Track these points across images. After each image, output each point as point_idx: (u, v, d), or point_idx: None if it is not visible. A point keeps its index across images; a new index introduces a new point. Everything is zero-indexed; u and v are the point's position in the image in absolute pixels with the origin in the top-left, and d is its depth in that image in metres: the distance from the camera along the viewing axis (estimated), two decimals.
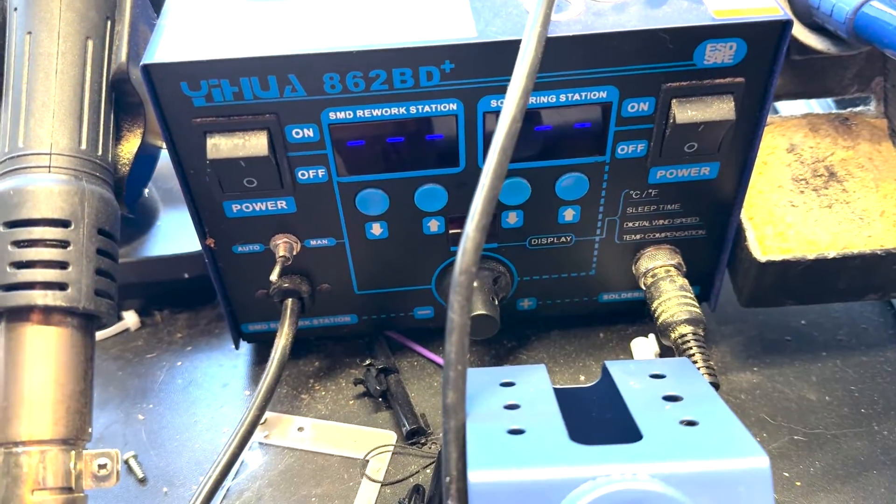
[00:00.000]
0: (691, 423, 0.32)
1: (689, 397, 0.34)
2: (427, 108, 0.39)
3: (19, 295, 0.35)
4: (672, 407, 0.34)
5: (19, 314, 0.35)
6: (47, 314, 0.36)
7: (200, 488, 0.41)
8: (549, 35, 0.36)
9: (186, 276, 0.52)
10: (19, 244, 0.35)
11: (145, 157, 0.42)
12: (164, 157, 0.45)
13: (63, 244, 0.36)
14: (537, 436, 0.32)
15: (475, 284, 0.46)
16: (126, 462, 0.45)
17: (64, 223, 0.36)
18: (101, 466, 0.36)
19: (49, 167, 0.37)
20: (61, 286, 0.35)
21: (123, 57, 0.40)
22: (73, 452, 0.35)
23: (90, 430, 0.37)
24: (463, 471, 0.32)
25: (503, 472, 0.29)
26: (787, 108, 0.58)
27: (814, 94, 0.49)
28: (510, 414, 0.34)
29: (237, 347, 0.50)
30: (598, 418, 0.38)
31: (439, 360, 0.50)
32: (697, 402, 0.34)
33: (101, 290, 0.37)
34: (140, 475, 0.44)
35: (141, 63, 0.36)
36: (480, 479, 0.29)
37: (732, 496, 0.29)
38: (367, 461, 0.44)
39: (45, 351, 0.35)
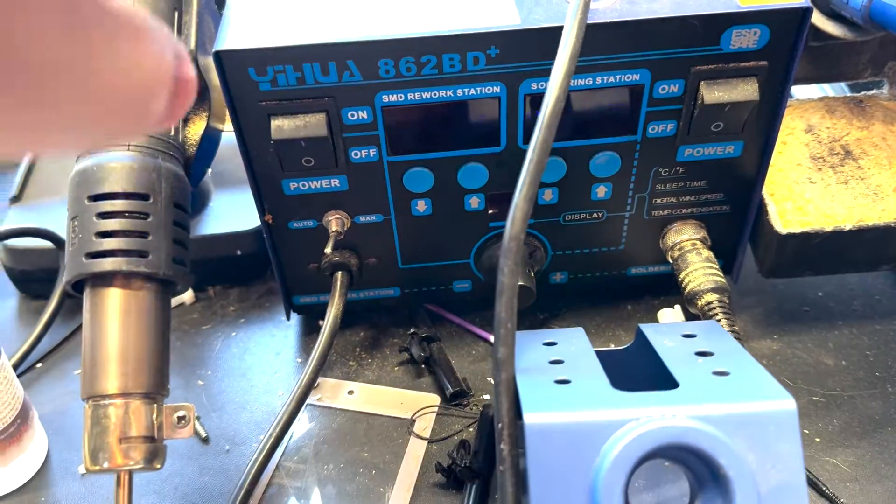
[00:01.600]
0: (723, 374, 0.35)
1: (719, 353, 0.37)
2: (473, 91, 0.43)
3: (104, 262, 0.38)
4: (704, 361, 0.37)
5: (104, 280, 0.39)
6: (129, 279, 0.39)
7: (262, 444, 0.44)
8: (588, 22, 0.39)
9: (239, 252, 0.55)
10: (103, 216, 0.39)
11: (209, 139, 0.45)
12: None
13: (143, 216, 0.39)
14: (582, 385, 0.35)
15: None
16: None
17: (143, 196, 0.39)
18: (181, 418, 0.39)
19: (128, 145, 0.40)
20: (143, 254, 0.39)
21: (192, 45, 0.43)
22: (154, 405, 0.39)
23: (168, 386, 0.40)
24: (514, 418, 0.35)
25: (555, 415, 0.32)
26: (803, 92, 0.61)
27: (830, 78, 0.52)
28: (555, 368, 0.37)
29: (288, 318, 0.53)
30: (634, 375, 0.41)
31: (477, 330, 0.53)
32: (728, 356, 0.37)
33: (177, 259, 0.40)
34: (203, 435, 0.48)
35: (213, 50, 0.40)
36: (535, 420, 0.32)
37: (763, 435, 0.32)
38: (415, 420, 0.48)
39: (127, 313, 0.39)
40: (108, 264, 0.38)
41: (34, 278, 0.56)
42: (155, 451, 0.38)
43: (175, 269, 0.40)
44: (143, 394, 0.38)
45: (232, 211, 0.56)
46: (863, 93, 0.53)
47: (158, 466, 0.39)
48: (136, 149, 0.40)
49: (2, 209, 0.63)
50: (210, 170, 0.58)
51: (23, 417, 0.45)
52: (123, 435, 0.37)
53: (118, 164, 0.39)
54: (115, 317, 0.38)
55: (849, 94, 0.53)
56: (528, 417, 0.32)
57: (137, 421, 0.38)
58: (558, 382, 0.35)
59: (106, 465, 0.37)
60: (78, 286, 0.40)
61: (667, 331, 0.41)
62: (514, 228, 0.37)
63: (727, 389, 0.34)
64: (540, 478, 0.32)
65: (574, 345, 0.40)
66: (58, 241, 0.53)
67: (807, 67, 0.51)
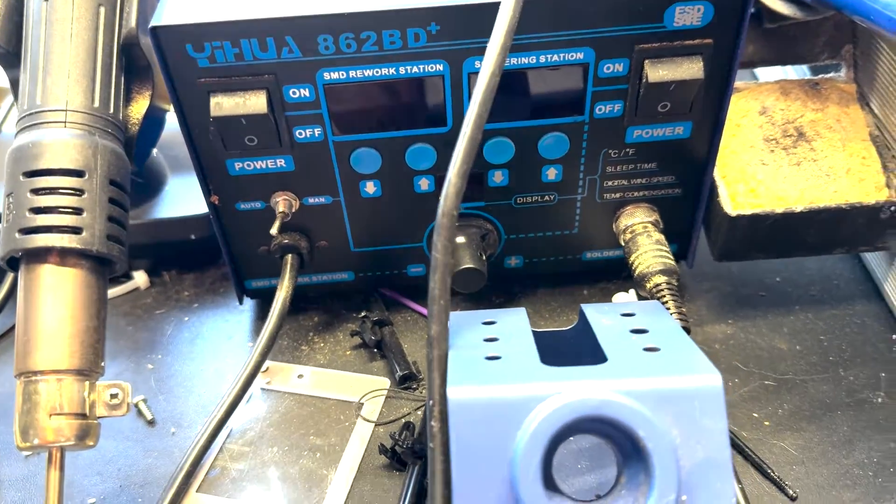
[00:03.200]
0: (654, 350, 0.35)
1: (654, 330, 0.37)
2: (415, 69, 0.42)
3: (38, 238, 0.38)
4: (638, 337, 0.36)
5: (37, 256, 0.39)
6: (63, 256, 0.39)
7: (206, 426, 0.44)
8: None
9: (193, 237, 0.55)
10: (38, 192, 0.38)
11: (153, 119, 0.45)
12: (172, 127, 0.48)
13: (78, 192, 0.39)
14: (511, 361, 0.35)
15: (463, 240, 0.49)
16: (136, 405, 0.48)
17: (79, 173, 0.39)
18: (113, 396, 0.39)
19: (65, 122, 0.40)
20: (76, 230, 0.38)
21: (133, 23, 0.43)
22: (87, 383, 0.38)
23: (103, 364, 0.40)
24: (444, 395, 0.35)
25: (478, 389, 0.32)
26: (765, 75, 0.61)
27: (786, 60, 0.52)
28: (489, 345, 0.37)
29: (241, 303, 0.53)
30: (572, 354, 0.40)
31: None
32: (661, 334, 0.37)
33: (112, 236, 0.40)
34: (149, 417, 0.47)
35: (149, 25, 0.39)
36: (458, 395, 0.32)
37: (688, 410, 0.31)
38: (362, 404, 0.47)
39: (61, 289, 0.38)
40: (40, 240, 0.38)
41: None
42: (87, 428, 0.38)
43: (109, 246, 0.40)
44: (76, 370, 0.38)
45: (186, 195, 0.56)
46: (820, 75, 0.52)
47: (91, 444, 0.38)
48: (73, 125, 0.40)
49: None
50: (164, 152, 0.58)
51: None
52: (54, 411, 0.37)
53: (54, 140, 0.39)
54: (48, 293, 0.38)
55: (807, 77, 0.52)
56: (452, 392, 0.32)
57: (69, 397, 0.37)
58: (489, 359, 0.35)
59: (36, 441, 0.37)
60: (13, 263, 0.40)
61: (608, 310, 0.40)
62: (447, 203, 0.36)
63: (655, 365, 0.33)
64: (463, 452, 0.32)
65: (512, 323, 0.39)
66: None
67: (763, 49, 0.51)
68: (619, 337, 0.36)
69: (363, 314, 0.51)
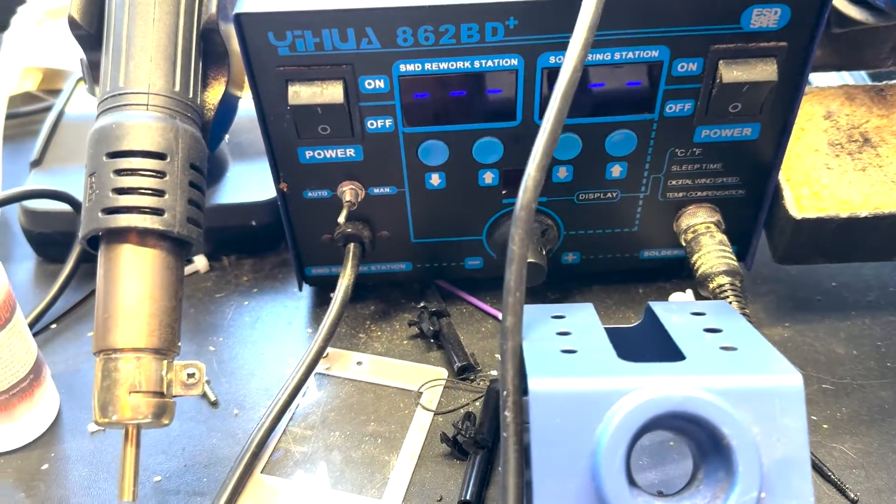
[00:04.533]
0: (730, 349, 0.35)
1: (728, 329, 0.37)
2: (490, 63, 0.43)
3: (120, 218, 0.39)
4: (712, 337, 0.37)
5: (119, 236, 0.39)
6: (144, 236, 0.39)
7: (270, 409, 0.45)
8: None
9: (254, 223, 0.56)
10: (121, 172, 0.39)
11: (227, 105, 0.46)
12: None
13: (160, 174, 0.40)
14: (588, 355, 0.35)
15: None
16: None
17: (160, 156, 0.40)
18: (190, 376, 0.40)
19: (147, 105, 0.40)
20: (158, 211, 0.39)
21: (213, 8, 0.43)
22: (164, 362, 0.39)
23: (179, 344, 0.40)
24: (518, 386, 0.35)
25: (560, 381, 0.32)
26: (823, 80, 0.61)
27: (851, 66, 0.52)
28: (562, 339, 0.37)
29: (300, 290, 0.54)
30: (642, 352, 0.41)
31: (487, 307, 0.53)
32: (736, 333, 0.37)
33: (191, 218, 0.40)
34: (213, 398, 0.48)
35: (233, 12, 0.40)
36: (540, 386, 0.32)
37: (769, 408, 0.32)
38: (422, 392, 0.48)
39: (141, 269, 0.39)
40: (123, 220, 0.39)
41: (52, 241, 0.57)
42: (164, 406, 0.39)
43: (189, 229, 0.40)
44: (154, 349, 0.39)
45: (248, 182, 0.57)
46: (884, 82, 0.52)
47: (167, 422, 0.39)
48: (155, 108, 0.40)
49: (23, 173, 0.64)
50: (228, 139, 0.58)
51: (35, 373, 0.45)
52: (133, 389, 0.38)
53: (137, 123, 0.40)
54: (128, 272, 0.39)
55: (869, 83, 0.52)
56: (533, 383, 0.32)
57: (147, 376, 0.38)
58: (565, 352, 0.35)
59: (115, 417, 0.38)
60: (93, 242, 0.40)
61: (676, 309, 0.41)
62: (525, 197, 0.37)
63: (734, 363, 0.34)
64: (543, 443, 0.32)
65: (582, 318, 0.40)
66: (76, 205, 0.54)
67: (828, 54, 0.51)
68: (693, 335, 0.37)
69: (422, 304, 0.52)
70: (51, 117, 0.62)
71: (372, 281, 0.55)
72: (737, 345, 0.35)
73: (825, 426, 0.45)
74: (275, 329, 0.53)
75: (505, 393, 0.35)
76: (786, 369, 0.33)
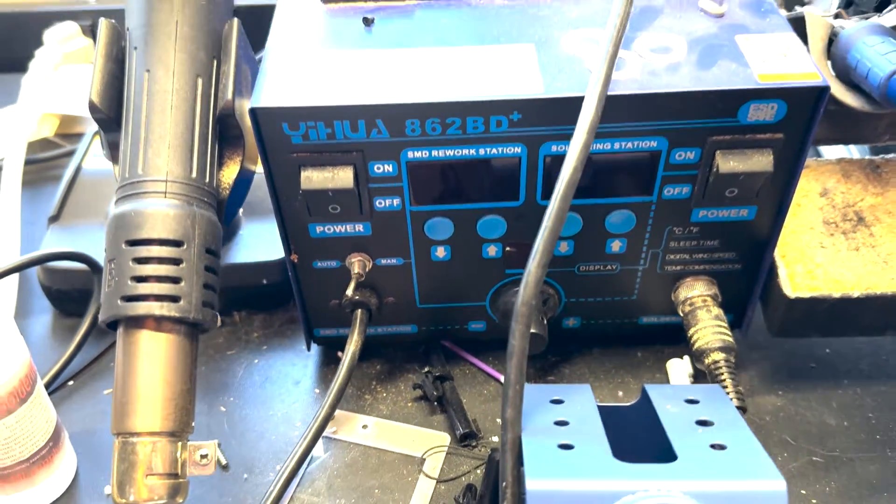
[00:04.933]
0: (720, 447, 0.37)
1: (719, 422, 0.39)
2: (494, 151, 0.44)
3: (138, 305, 0.41)
4: (703, 431, 0.38)
5: (136, 322, 0.41)
6: (161, 322, 0.41)
7: (279, 475, 0.46)
8: (608, 93, 0.41)
9: (265, 281, 0.58)
10: (139, 260, 0.41)
11: (242, 181, 0.47)
12: None
13: (177, 262, 0.41)
14: (585, 451, 0.37)
15: None
16: None
17: (178, 243, 0.41)
18: (203, 456, 0.41)
19: (165, 193, 0.42)
20: (174, 299, 0.41)
21: (230, 95, 0.45)
22: (179, 443, 0.41)
23: (193, 424, 0.42)
24: (517, 477, 0.37)
25: (556, 483, 0.34)
26: (825, 149, 0.62)
27: (848, 140, 0.53)
28: (560, 430, 0.39)
29: (308, 349, 0.56)
30: (636, 435, 0.42)
31: (489, 370, 0.55)
32: (726, 427, 0.38)
33: (206, 302, 0.42)
34: (223, 462, 0.50)
35: (249, 107, 0.42)
36: (537, 487, 0.34)
37: None
38: (424, 459, 0.50)
39: (157, 355, 0.41)
40: (141, 308, 0.40)
41: (69, 297, 0.59)
42: (178, 486, 0.41)
43: (204, 313, 0.42)
44: (170, 433, 0.40)
45: (260, 241, 0.58)
46: (881, 156, 0.53)
47: (180, 501, 0.41)
48: (173, 196, 0.42)
49: (41, 220, 0.66)
50: None
51: (55, 440, 0.47)
52: (149, 472, 0.40)
53: (155, 211, 0.41)
54: (145, 358, 0.41)
55: (867, 157, 0.54)
56: (531, 484, 0.34)
57: (163, 459, 0.40)
58: (562, 447, 0.37)
59: (132, 498, 0.40)
60: (112, 324, 0.42)
61: (671, 394, 0.42)
62: (526, 294, 0.38)
63: (722, 465, 0.35)
64: None
65: (580, 405, 0.41)
66: (93, 265, 0.56)
67: (827, 130, 0.52)
68: (685, 429, 0.38)
69: (426, 369, 0.54)
70: (68, 172, 0.64)
71: (378, 342, 0.56)
72: (727, 442, 0.37)
73: (814, 501, 0.47)
74: (283, 389, 0.55)
75: (504, 484, 0.37)
76: (771, 474, 0.34)
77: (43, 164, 0.74)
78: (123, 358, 0.41)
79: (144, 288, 0.41)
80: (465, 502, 0.45)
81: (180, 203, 0.42)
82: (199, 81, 0.45)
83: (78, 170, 0.65)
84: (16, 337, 0.44)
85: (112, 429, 0.41)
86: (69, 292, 0.58)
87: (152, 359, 0.41)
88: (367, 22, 0.47)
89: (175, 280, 0.41)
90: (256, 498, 0.48)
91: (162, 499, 0.40)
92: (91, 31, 0.84)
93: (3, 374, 0.43)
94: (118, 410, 0.41)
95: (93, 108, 0.45)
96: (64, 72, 0.78)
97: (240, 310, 0.60)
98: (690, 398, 0.41)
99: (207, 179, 0.44)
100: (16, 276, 0.61)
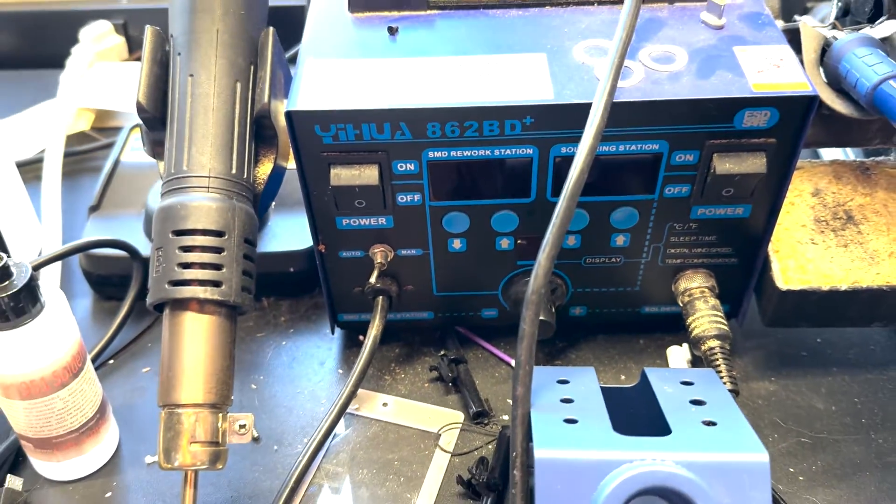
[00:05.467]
0: (711, 423, 0.40)
1: (711, 402, 0.43)
2: (508, 152, 0.48)
3: (184, 290, 0.45)
4: (697, 410, 0.42)
5: (181, 304, 0.45)
6: (204, 305, 0.45)
7: (306, 448, 0.51)
8: (613, 101, 0.44)
9: (292, 269, 0.62)
10: (184, 248, 0.45)
11: (275, 177, 0.51)
12: None
13: (218, 250, 0.45)
14: (588, 425, 0.41)
15: None
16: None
17: (219, 233, 0.45)
18: (241, 426, 0.46)
19: (208, 188, 0.46)
20: (217, 284, 0.45)
21: (266, 98, 0.49)
22: (219, 414, 0.45)
23: (232, 397, 0.46)
24: (526, 448, 0.41)
25: (561, 452, 0.38)
26: (822, 150, 0.65)
27: (842, 143, 0.56)
28: (566, 406, 0.43)
29: (332, 333, 0.60)
30: (636, 413, 0.46)
31: (501, 354, 0.59)
32: (717, 406, 0.42)
33: (245, 287, 0.46)
34: (256, 434, 0.54)
35: (285, 110, 0.46)
36: (545, 455, 0.38)
37: (738, 483, 0.37)
38: (440, 435, 0.54)
39: (200, 334, 0.45)
40: (186, 292, 0.44)
41: (109, 282, 0.63)
42: (218, 454, 0.45)
43: (243, 297, 0.46)
44: (211, 404, 0.45)
45: (287, 232, 0.62)
46: (871, 158, 0.57)
47: (220, 467, 0.45)
48: (215, 190, 0.46)
49: (79, 210, 0.71)
50: None
51: (101, 412, 0.51)
52: (193, 440, 0.44)
53: (199, 204, 0.45)
54: (190, 337, 0.45)
55: (858, 159, 0.57)
56: (539, 452, 0.38)
57: (205, 428, 0.44)
58: (567, 421, 0.41)
59: (177, 463, 0.44)
60: (158, 306, 0.46)
61: (668, 376, 0.46)
62: (536, 283, 0.42)
63: (712, 439, 0.39)
64: (547, 503, 0.38)
65: (584, 385, 0.45)
66: (132, 253, 0.60)
67: (819, 133, 0.56)
68: (679, 407, 0.42)
69: (441, 353, 0.58)
70: (108, 165, 0.68)
71: (397, 326, 0.60)
72: (717, 419, 0.41)
73: (801, 478, 0.50)
74: (309, 369, 0.59)
75: (514, 454, 0.41)
76: (755, 447, 0.38)
77: (80, 156, 0.78)
78: (170, 337, 0.45)
79: (189, 274, 0.45)
80: (477, 473, 0.49)
81: (221, 197, 0.46)
82: (238, 85, 0.49)
83: (116, 163, 0.69)
84: (69, 317, 0.48)
85: (158, 401, 0.45)
86: (109, 277, 0.62)
87: (196, 338, 0.45)
88: (392, 31, 0.50)
89: (217, 267, 0.45)
90: (286, 468, 0.52)
91: (204, 464, 0.44)
92: (123, 30, 0.88)
93: (60, 350, 0.47)
94: (165, 384, 0.45)
95: (140, 108, 0.49)
96: (98, 68, 0.83)
97: (268, 295, 0.64)
98: (686, 380, 0.45)
99: (245, 175, 0.48)
100: (59, 261, 0.65)
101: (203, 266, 0.45)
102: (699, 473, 0.37)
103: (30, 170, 0.74)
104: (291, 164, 0.51)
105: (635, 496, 0.37)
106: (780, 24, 0.53)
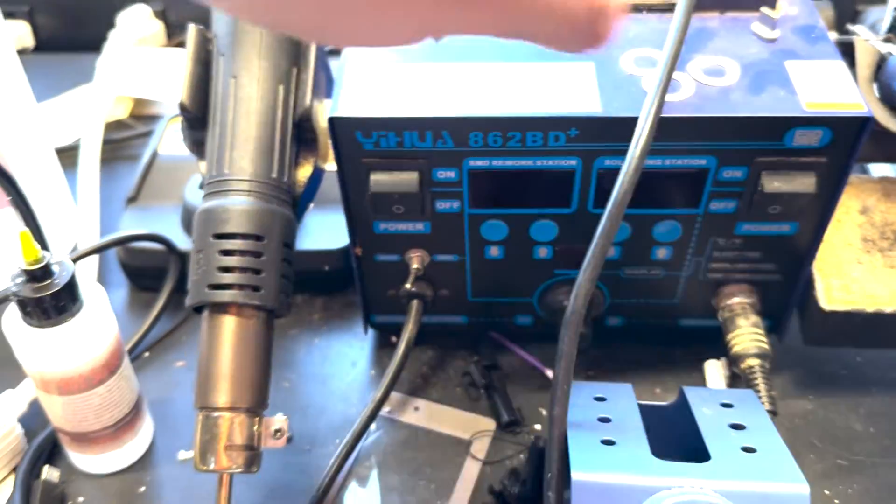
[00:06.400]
0: (751, 450, 0.40)
1: (751, 427, 0.42)
2: (550, 163, 0.47)
3: (223, 293, 0.45)
4: (736, 434, 0.41)
5: (221, 308, 0.45)
6: (242, 309, 0.45)
7: (339, 450, 0.51)
8: (662, 115, 0.43)
9: (326, 268, 0.62)
10: (225, 252, 0.45)
11: (314, 179, 0.51)
12: None
13: (258, 254, 0.45)
14: (626, 448, 0.40)
15: None
16: None
17: (259, 238, 0.45)
18: (277, 431, 0.46)
19: (249, 191, 0.46)
20: (256, 288, 0.45)
21: (307, 102, 0.48)
22: (256, 418, 0.45)
23: (268, 401, 0.46)
24: (561, 469, 0.41)
25: (599, 476, 0.38)
26: (871, 165, 0.64)
27: (891, 160, 0.55)
28: (603, 426, 0.42)
29: (365, 333, 0.60)
30: (672, 432, 0.45)
31: (534, 361, 0.59)
32: (758, 432, 0.42)
33: (283, 291, 0.46)
34: (289, 435, 0.54)
35: (328, 116, 0.45)
36: (582, 478, 0.38)
37: None
38: (472, 442, 0.54)
39: (238, 338, 0.45)
40: (226, 296, 0.44)
41: (145, 274, 0.63)
42: (253, 457, 0.45)
43: (281, 300, 0.46)
44: (248, 409, 0.45)
45: (322, 231, 0.62)
46: None
47: (255, 470, 0.45)
48: (256, 194, 0.46)
49: (116, 198, 0.71)
50: None
51: (137, 408, 0.52)
52: (229, 444, 0.44)
53: (240, 208, 0.45)
54: (228, 340, 0.45)
55: None
56: (576, 475, 0.38)
57: (241, 432, 0.44)
58: (605, 442, 0.40)
59: (212, 466, 0.44)
60: (198, 308, 0.46)
61: (707, 397, 0.45)
62: (576, 303, 0.42)
63: (751, 467, 0.39)
64: None
65: (622, 403, 0.45)
66: (171, 246, 0.60)
67: (871, 149, 0.54)
68: (719, 432, 0.41)
69: (475, 358, 0.57)
70: (146, 156, 0.68)
71: (430, 329, 0.60)
72: (757, 445, 0.40)
73: (836, 501, 0.50)
74: (341, 369, 0.59)
75: (549, 475, 0.41)
76: (796, 478, 0.37)
77: (117, 144, 0.78)
78: (208, 340, 0.45)
79: (229, 278, 0.45)
80: (509, 484, 0.49)
81: (262, 201, 0.46)
82: (281, 88, 0.48)
83: (154, 154, 0.69)
84: (109, 315, 0.49)
85: (195, 403, 0.45)
86: (145, 269, 0.63)
87: (234, 341, 0.45)
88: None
89: (256, 271, 0.45)
90: (318, 468, 0.52)
91: (239, 468, 0.44)
92: (162, 15, 0.88)
93: (99, 348, 0.47)
94: (202, 386, 0.45)
95: (183, 108, 0.49)
96: (136, 54, 0.83)
97: (302, 293, 0.64)
98: (725, 402, 0.45)
99: (286, 178, 0.48)
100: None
101: (243, 270, 0.45)
102: (738, 502, 0.36)
103: (66, 156, 0.75)
104: (329, 166, 0.51)
105: None
106: (832, 35, 0.52)
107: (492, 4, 0.23)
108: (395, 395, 0.57)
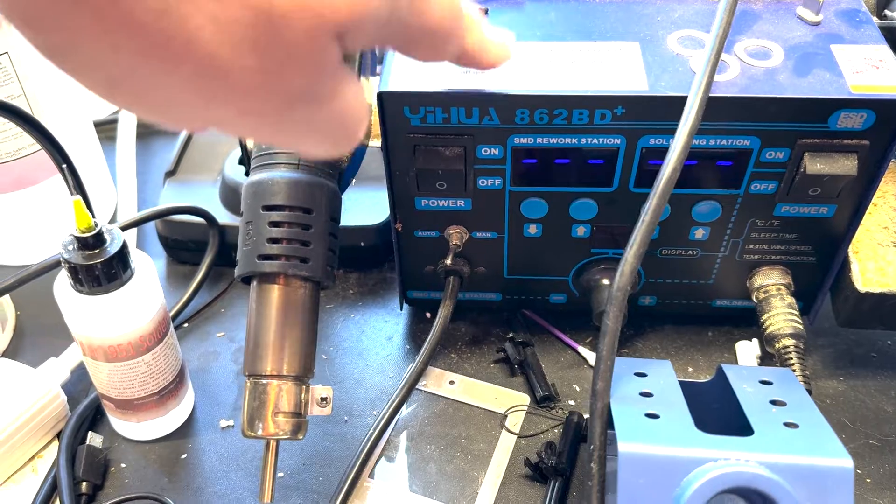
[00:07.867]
0: (793, 426, 0.41)
1: (791, 403, 0.43)
2: (595, 141, 0.48)
3: (273, 264, 0.45)
4: (777, 410, 0.42)
5: (269, 278, 0.46)
6: (290, 279, 0.46)
7: (377, 421, 0.52)
8: (709, 95, 0.44)
9: (362, 244, 0.62)
10: (274, 224, 0.46)
11: (358, 154, 0.52)
12: None
13: (307, 227, 0.46)
14: (669, 421, 0.41)
15: (607, 283, 0.55)
16: None
17: (308, 210, 0.46)
18: (323, 399, 0.47)
19: (298, 164, 0.47)
20: (304, 260, 0.46)
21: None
22: (303, 386, 0.46)
23: (314, 369, 0.47)
24: (604, 442, 0.42)
25: (646, 447, 0.39)
26: None
27: None
28: (646, 400, 0.43)
29: (401, 308, 0.60)
30: (709, 408, 0.46)
31: (567, 339, 0.59)
32: (798, 408, 0.42)
33: (329, 264, 0.47)
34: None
35: (377, 91, 0.46)
36: (629, 449, 0.38)
37: (821, 488, 0.37)
38: (507, 416, 0.55)
39: (287, 308, 0.46)
40: (275, 266, 0.45)
41: (184, 247, 0.64)
42: (300, 424, 0.46)
43: (327, 273, 0.47)
44: (295, 376, 0.46)
45: (359, 207, 0.63)
46: None
47: (301, 437, 0.46)
48: (304, 168, 0.47)
49: (152, 171, 0.72)
50: None
51: (181, 376, 0.53)
52: (277, 410, 0.45)
53: (289, 180, 0.46)
54: (276, 310, 0.46)
55: None
56: (623, 447, 0.39)
57: (289, 399, 0.45)
58: (648, 416, 0.41)
59: (260, 432, 0.45)
60: (246, 279, 0.47)
61: (746, 375, 0.46)
62: (622, 280, 0.42)
63: (795, 442, 0.39)
64: (627, 498, 0.38)
65: (663, 379, 0.45)
66: (210, 220, 0.61)
67: None
68: (761, 407, 0.42)
69: (510, 335, 0.58)
70: (184, 133, 0.69)
71: (465, 306, 0.61)
72: (799, 421, 0.41)
73: (868, 480, 0.50)
74: (377, 343, 0.60)
75: (592, 447, 0.42)
76: (839, 452, 0.38)
77: None
78: (257, 308, 0.46)
79: (278, 248, 0.45)
80: (545, 456, 0.50)
81: (310, 174, 0.47)
82: None
83: None
84: (156, 284, 0.49)
85: (244, 370, 0.46)
86: (185, 242, 0.64)
87: (282, 311, 0.46)
88: (483, 13, 0.50)
89: (305, 243, 0.46)
90: (356, 438, 0.53)
91: (286, 434, 0.45)
92: None
93: (147, 316, 0.48)
94: (251, 354, 0.46)
95: None
96: None
97: (338, 268, 0.64)
98: (764, 379, 0.45)
99: None
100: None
101: (291, 241, 0.46)
102: (783, 475, 0.37)
103: (103, 130, 0.75)
104: (372, 143, 0.52)
105: (718, 494, 0.37)
106: (874, 20, 0.52)
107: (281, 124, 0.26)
108: (431, 369, 0.58)
